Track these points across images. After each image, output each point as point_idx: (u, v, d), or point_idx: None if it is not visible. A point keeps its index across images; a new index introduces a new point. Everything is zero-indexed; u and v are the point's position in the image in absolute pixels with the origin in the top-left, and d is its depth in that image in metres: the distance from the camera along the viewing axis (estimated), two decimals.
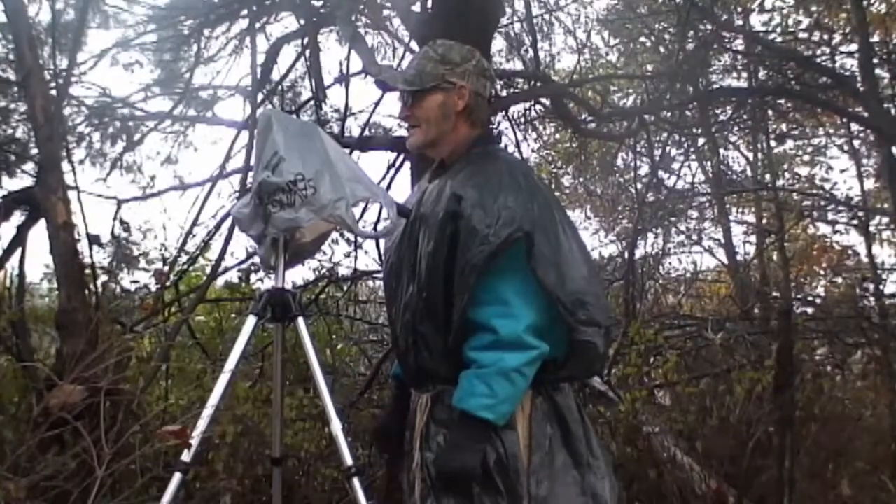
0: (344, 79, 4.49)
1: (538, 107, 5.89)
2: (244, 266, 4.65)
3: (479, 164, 1.68)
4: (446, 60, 1.73)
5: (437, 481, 1.59)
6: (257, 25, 4.81)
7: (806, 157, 8.57)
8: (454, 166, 1.73)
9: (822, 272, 8.62)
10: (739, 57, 6.33)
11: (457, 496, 1.55)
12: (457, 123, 1.74)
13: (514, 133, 5.62)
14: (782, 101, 6.20)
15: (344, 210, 1.75)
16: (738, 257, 8.32)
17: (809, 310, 6.48)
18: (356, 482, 1.68)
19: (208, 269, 4.41)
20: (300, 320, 1.84)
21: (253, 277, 4.70)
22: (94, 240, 3.45)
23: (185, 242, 4.68)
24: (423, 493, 1.66)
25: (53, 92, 3.70)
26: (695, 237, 8.85)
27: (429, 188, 1.75)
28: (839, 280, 8.01)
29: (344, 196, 1.76)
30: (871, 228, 7.33)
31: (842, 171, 8.65)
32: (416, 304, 1.65)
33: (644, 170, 6.99)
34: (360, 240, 4.81)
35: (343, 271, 5.11)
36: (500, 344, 1.50)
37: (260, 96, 4.62)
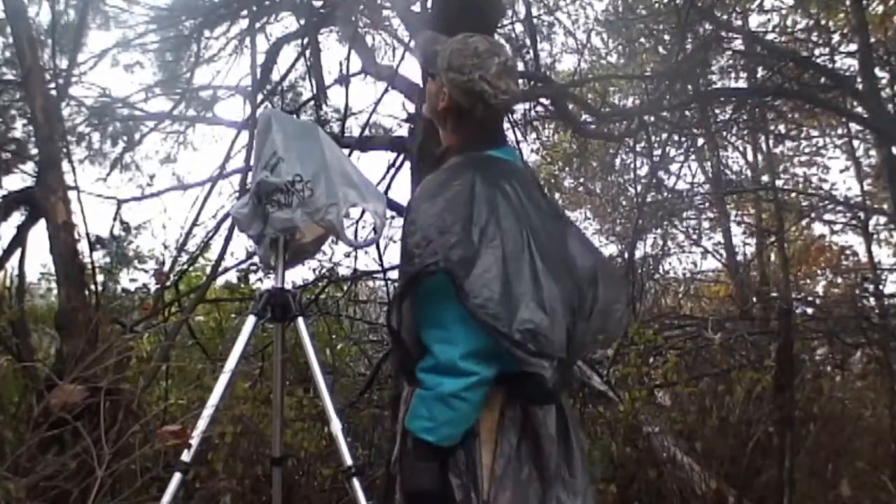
0: (344, 79, 4.49)
1: (538, 107, 5.90)
2: (244, 266, 4.65)
3: (451, 172, 1.63)
4: (449, 61, 1.68)
5: (403, 497, 1.58)
6: (257, 25, 4.82)
7: (805, 158, 8.60)
8: (439, 169, 1.70)
9: (821, 272, 8.63)
10: (739, 57, 6.34)
11: None
12: (443, 119, 1.73)
13: (514, 133, 5.62)
14: (781, 101, 6.20)
15: (335, 216, 1.76)
16: (738, 257, 8.34)
17: (809, 310, 6.48)
18: (356, 482, 1.68)
19: (208, 269, 4.41)
20: (300, 320, 1.85)
21: (252, 277, 4.71)
22: (97, 241, 3.45)
23: (185, 242, 4.68)
24: (394, 489, 1.67)
25: (53, 92, 3.71)
26: (694, 237, 8.87)
27: None
28: (839, 280, 8.02)
29: (337, 202, 1.77)
30: (871, 228, 7.35)
31: (841, 171, 8.66)
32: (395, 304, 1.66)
33: (644, 170, 7.00)
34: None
35: (343, 271, 5.11)
36: (438, 369, 1.48)
37: (260, 96, 4.62)
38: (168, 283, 4.27)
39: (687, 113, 6.07)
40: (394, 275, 4.67)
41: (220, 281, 4.82)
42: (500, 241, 1.50)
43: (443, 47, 1.71)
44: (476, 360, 1.46)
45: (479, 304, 1.44)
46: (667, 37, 6.34)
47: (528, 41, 5.54)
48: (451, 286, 1.46)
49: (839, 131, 7.78)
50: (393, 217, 4.72)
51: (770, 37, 6.52)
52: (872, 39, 5.66)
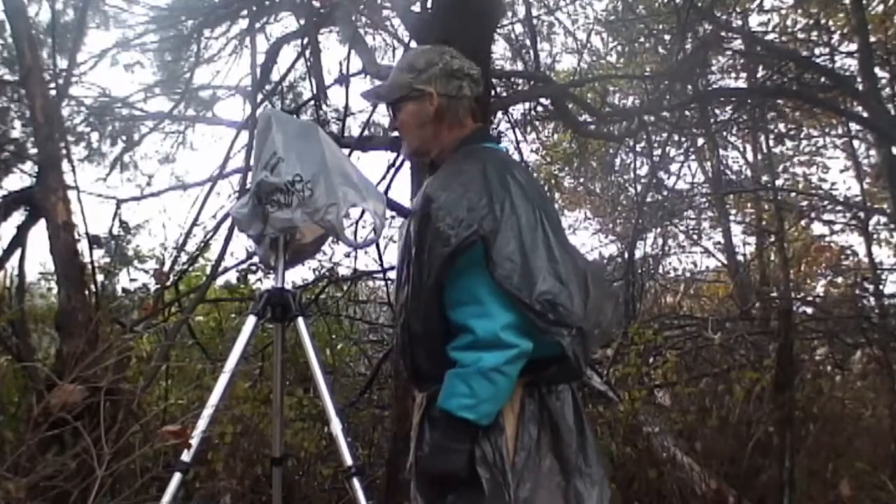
0: (344, 79, 4.49)
1: (538, 107, 5.90)
2: (244, 266, 4.65)
3: (458, 164, 1.68)
4: (412, 68, 1.73)
5: (425, 484, 1.60)
6: (257, 25, 4.82)
7: (805, 157, 8.60)
8: (440, 168, 1.73)
9: (821, 272, 8.63)
10: (738, 57, 6.34)
11: (442, 497, 1.55)
12: (436, 129, 1.74)
13: (514, 133, 5.62)
14: (781, 101, 6.20)
15: (335, 216, 1.76)
16: (738, 257, 8.34)
17: (809, 310, 6.48)
18: (356, 482, 1.67)
19: (208, 269, 4.41)
20: (300, 320, 1.84)
21: (252, 278, 4.71)
22: (94, 240, 3.45)
23: (184, 242, 4.68)
24: (413, 492, 1.67)
25: (53, 92, 3.71)
26: (694, 237, 8.87)
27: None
28: (839, 280, 8.01)
29: (336, 202, 1.77)
30: (871, 228, 7.35)
31: (841, 171, 8.66)
32: (409, 305, 1.66)
33: (644, 170, 7.00)
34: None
35: (343, 271, 5.12)
36: (478, 344, 1.50)
37: (260, 96, 4.62)
38: (168, 283, 4.27)
39: (687, 113, 6.08)
40: (394, 275, 4.67)
41: (220, 281, 4.82)
42: (515, 218, 1.56)
43: (395, 71, 1.76)
44: (515, 332, 1.50)
45: (504, 274, 1.50)
46: (667, 37, 6.34)
47: (528, 41, 5.55)
48: (484, 258, 1.51)
49: (839, 131, 7.78)
50: (393, 217, 4.71)
51: (770, 37, 6.53)
52: (873, 39, 5.66)
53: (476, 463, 1.52)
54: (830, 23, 6.50)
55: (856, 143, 7.83)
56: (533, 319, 1.51)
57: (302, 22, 4.81)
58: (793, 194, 8.22)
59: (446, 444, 1.52)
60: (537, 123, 6.61)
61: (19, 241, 3.55)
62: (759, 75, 6.47)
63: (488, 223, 1.53)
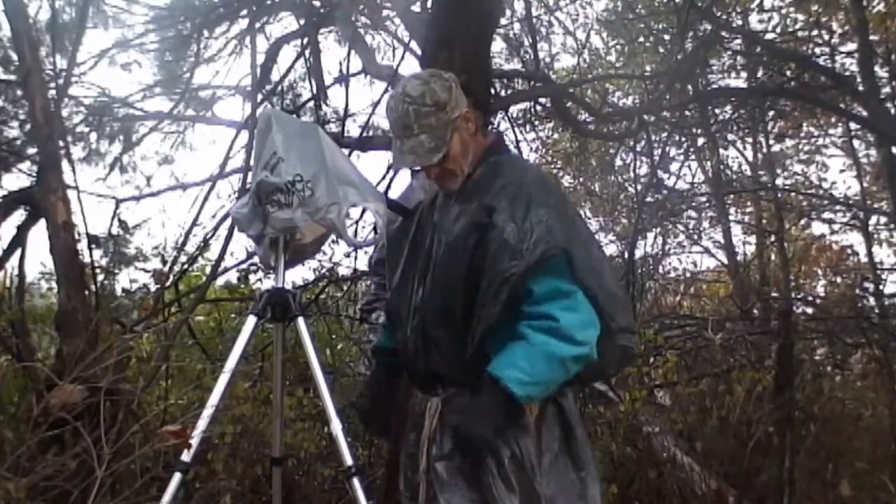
0: (344, 79, 4.49)
1: (538, 107, 5.89)
2: (244, 266, 4.64)
3: (505, 174, 1.67)
4: (440, 105, 1.65)
5: (456, 445, 1.60)
6: (257, 25, 4.82)
7: (805, 157, 8.60)
8: (473, 176, 1.70)
9: (821, 272, 8.63)
10: (739, 57, 6.34)
11: (466, 491, 1.56)
12: (471, 142, 1.72)
13: (514, 133, 5.62)
14: (781, 100, 6.21)
15: (336, 216, 1.76)
16: (738, 257, 8.34)
17: (809, 310, 6.48)
18: (356, 482, 1.68)
19: (208, 269, 4.41)
20: (300, 320, 1.84)
21: (252, 278, 4.70)
22: (93, 240, 3.45)
23: (184, 242, 4.68)
24: (428, 496, 1.65)
25: (53, 92, 3.71)
26: (694, 237, 8.87)
27: (441, 194, 1.74)
28: (839, 280, 8.02)
29: (337, 201, 1.77)
30: (871, 228, 7.35)
31: (841, 170, 8.67)
32: (428, 309, 1.64)
33: (644, 170, 7.00)
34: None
35: (343, 271, 5.11)
36: (558, 332, 1.50)
37: (260, 96, 4.62)
38: (168, 283, 4.26)
39: (687, 113, 6.07)
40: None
41: (220, 281, 4.82)
42: (575, 227, 1.63)
43: (424, 121, 1.65)
44: (594, 336, 1.55)
45: (582, 277, 1.55)
46: (666, 36, 6.34)
47: (527, 41, 5.55)
48: (567, 266, 1.55)
49: (839, 130, 7.78)
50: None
51: (770, 36, 6.52)
52: (873, 38, 5.66)
53: (504, 460, 1.55)
54: (830, 22, 6.50)
55: (856, 142, 7.84)
56: (608, 321, 1.57)
57: (302, 22, 4.81)
58: (793, 194, 8.22)
59: (488, 408, 1.51)
60: (537, 123, 6.61)
61: (19, 241, 3.55)
62: (759, 75, 6.47)
63: (563, 237, 1.56)
